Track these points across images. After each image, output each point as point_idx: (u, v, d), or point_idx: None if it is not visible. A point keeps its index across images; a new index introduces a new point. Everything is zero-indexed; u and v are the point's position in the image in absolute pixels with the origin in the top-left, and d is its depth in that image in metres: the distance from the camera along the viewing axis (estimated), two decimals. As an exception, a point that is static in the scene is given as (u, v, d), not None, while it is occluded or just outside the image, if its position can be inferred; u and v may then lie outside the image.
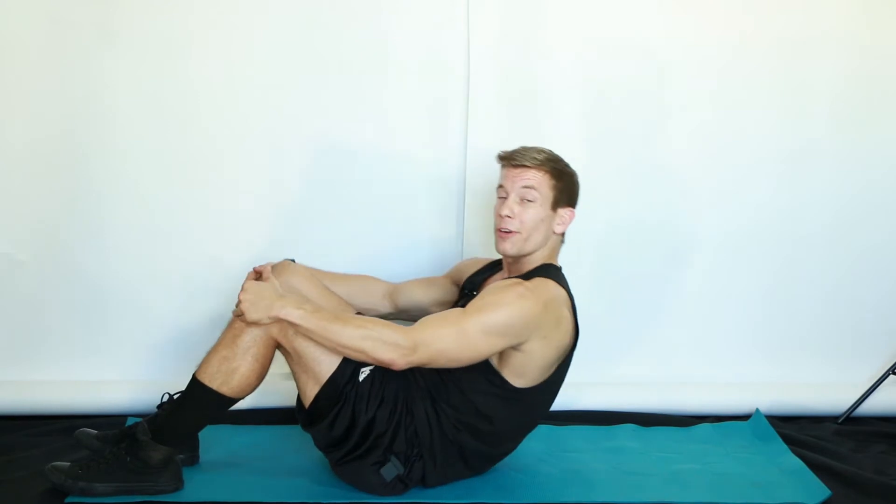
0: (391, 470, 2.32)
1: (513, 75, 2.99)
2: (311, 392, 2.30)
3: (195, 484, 2.37)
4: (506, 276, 2.48)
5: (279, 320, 2.23)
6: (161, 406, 2.46)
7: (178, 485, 2.32)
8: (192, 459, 2.48)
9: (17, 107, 2.88)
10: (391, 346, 2.19)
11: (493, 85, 2.98)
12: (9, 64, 2.86)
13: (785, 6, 3.01)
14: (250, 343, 2.26)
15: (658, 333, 3.12)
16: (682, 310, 3.11)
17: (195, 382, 2.28)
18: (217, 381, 2.26)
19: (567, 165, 2.46)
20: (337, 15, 2.93)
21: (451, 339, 2.23)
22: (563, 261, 3.06)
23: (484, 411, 2.34)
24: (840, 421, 2.97)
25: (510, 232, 2.40)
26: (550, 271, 2.41)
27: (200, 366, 2.29)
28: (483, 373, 2.32)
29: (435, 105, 3.00)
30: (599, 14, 2.99)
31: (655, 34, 3.00)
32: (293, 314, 2.21)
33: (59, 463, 2.30)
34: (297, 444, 2.61)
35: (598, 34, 2.99)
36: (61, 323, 2.96)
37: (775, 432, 2.79)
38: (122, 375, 2.95)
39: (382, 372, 2.31)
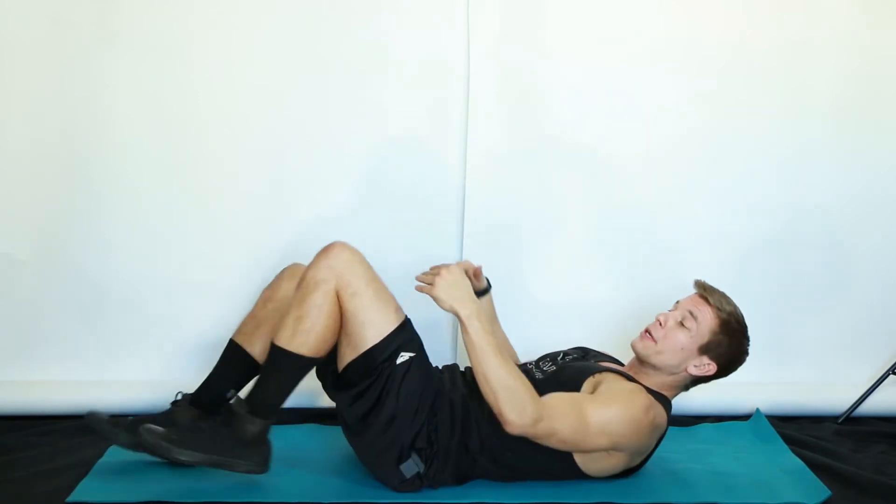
0: (412, 466, 2.32)
1: (513, 75, 2.99)
2: (347, 357, 2.30)
3: (213, 483, 2.36)
4: (626, 370, 2.49)
5: (456, 314, 2.23)
6: (175, 403, 2.47)
7: (265, 468, 2.31)
8: None
9: (17, 107, 2.88)
10: (520, 408, 2.18)
11: (493, 85, 2.98)
12: (9, 64, 2.86)
13: (785, 6, 3.01)
14: (321, 300, 2.24)
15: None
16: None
17: (275, 349, 2.27)
18: (295, 343, 2.25)
19: (742, 333, 2.43)
20: (337, 15, 2.93)
21: (569, 424, 2.23)
22: (562, 260, 3.09)
23: (526, 454, 2.34)
24: (840, 421, 2.97)
25: (650, 337, 2.43)
26: (663, 401, 2.41)
27: (277, 331, 2.28)
28: None
29: (435, 105, 3.00)
30: (599, 14, 2.99)
31: (655, 34, 3.00)
32: (473, 323, 2.22)
33: (153, 426, 2.28)
34: (307, 445, 2.62)
35: (598, 34, 2.99)
36: (61, 323, 2.96)
37: (775, 432, 2.79)
38: (122, 375, 2.94)
39: (419, 363, 2.33)
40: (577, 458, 2.34)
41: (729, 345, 2.42)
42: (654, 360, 2.43)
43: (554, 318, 3.07)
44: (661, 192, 3.07)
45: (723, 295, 2.45)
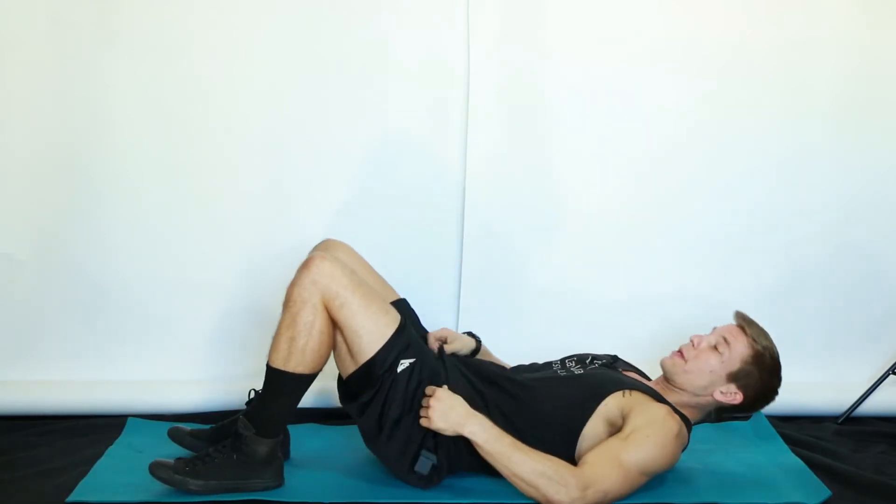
0: (425, 463, 2.32)
1: (513, 75, 2.99)
2: (348, 368, 2.31)
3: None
4: (653, 385, 2.48)
5: (456, 435, 2.25)
6: (249, 402, 2.49)
7: (280, 481, 2.33)
8: (284, 455, 2.47)
9: (17, 107, 2.88)
10: (563, 487, 2.19)
11: (493, 85, 2.98)
12: (9, 64, 2.86)
13: (785, 6, 3.01)
14: (311, 317, 2.23)
15: (658, 333, 3.11)
16: (682, 309, 3.10)
17: (271, 370, 2.27)
18: (292, 363, 2.24)
19: (774, 370, 2.43)
20: (337, 15, 2.94)
21: (615, 479, 2.23)
22: (563, 261, 3.09)
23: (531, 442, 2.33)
24: (840, 421, 2.97)
25: (681, 356, 2.43)
26: (686, 422, 2.40)
27: (270, 353, 2.28)
28: (563, 443, 2.33)
29: (435, 105, 3.00)
30: (599, 14, 2.99)
31: (655, 34, 3.00)
32: (480, 436, 2.24)
33: (162, 459, 2.29)
34: (307, 445, 2.61)
35: (598, 34, 3.00)
36: (61, 323, 2.96)
37: (775, 432, 2.79)
38: (122, 375, 2.94)
39: (421, 366, 2.32)
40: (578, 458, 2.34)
41: (759, 377, 2.42)
42: (681, 378, 2.42)
43: (554, 318, 3.07)
44: (662, 192, 3.07)
45: (762, 331, 2.45)
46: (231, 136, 2.96)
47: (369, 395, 2.29)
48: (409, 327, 2.36)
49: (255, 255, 2.99)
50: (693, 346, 2.44)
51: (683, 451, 2.41)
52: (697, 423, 2.47)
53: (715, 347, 2.42)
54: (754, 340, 2.42)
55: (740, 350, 2.41)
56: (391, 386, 2.29)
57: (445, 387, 2.31)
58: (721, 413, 2.49)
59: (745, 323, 2.45)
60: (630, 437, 2.28)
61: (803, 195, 3.10)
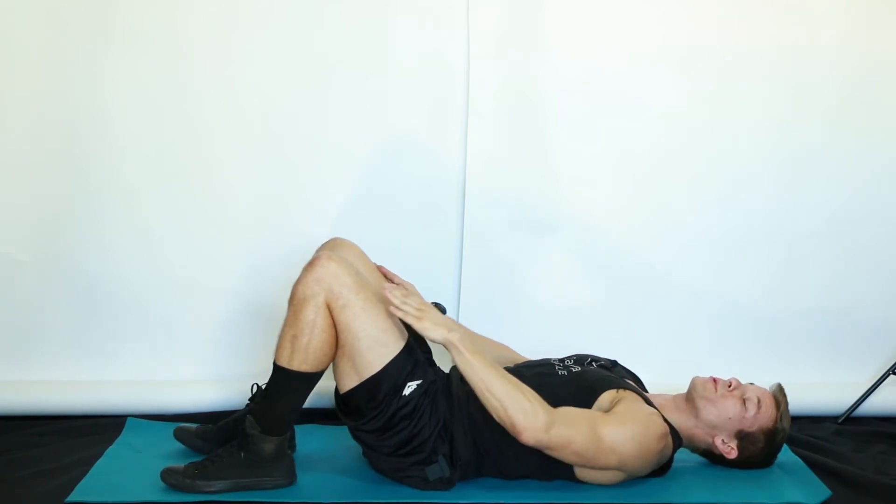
0: (436, 470, 2.32)
1: (513, 75, 2.99)
2: (347, 381, 2.29)
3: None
4: (650, 398, 2.46)
5: (449, 342, 2.24)
6: (253, 398, 2.50)
7: (291, 479, 2.33)
8: (290, 449, 2.47)
9: (17, 107, 2.88)
10: (530, 414, 2.20)
11: (493, 85, 2.98)
12: (9, 64, 2.86)
13: (783, 10, 3.00)
14: (313, 315, 2.22)
15: (657, 334, 3.11)
16: (681, 310, 3.11)
17: (277, 369, 2.27)
18: (295, 361, 2.24)
19: (774, 454, 2.49)
20: (337, 15, 2.94)
21: (584, 436, 2.24)
22: (562, 261, 3.09)
23: (520, 453, 2.33)
24: (840, 421, 2.97)
25: (713, 384, 2.43)
26: (675, 438, 2.39)
27: (276, 350, 2.27)
28: None
29: (435, 105, 3.00)
30: (599, 14, 2.99)
31: (655, 34, 3.00)
32: (466, 344, 2.24)
33: (173, 466, 2.30)
34: (307, 445, 2.61)
35: (598, 34, 2.99)
36: (61, 323, 2.96)
37: (775, 432, 2.79)
38: (122, 375, 2.94)
39: (428, 386, 2.31)
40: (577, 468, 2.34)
41: (761, 451, 2.46)
42: (701, 404, 2.42)
43: (553, 318, 3.07)
44: (662, 192, 3.07)
45: (789, 414, 2.48)
46: (231, 135, 2.96)
47: (373, 414, 2.28)
48: (415, 345, 2.33)
49: (254, 254, 2.99)
50: (729, 386, 2.44)
51: (663, 466, 2.41)
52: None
53: (745, 401, 2.42)
54: (780, 419, 2.45)
55: (764, 420, 2.43)
56: (398, 408, 2.27)
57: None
58: (705, 454, 2.51)
59: (781, 397, 2.47)
60: (612, 414, 2.29)
61: (803, 195, 3.10)
